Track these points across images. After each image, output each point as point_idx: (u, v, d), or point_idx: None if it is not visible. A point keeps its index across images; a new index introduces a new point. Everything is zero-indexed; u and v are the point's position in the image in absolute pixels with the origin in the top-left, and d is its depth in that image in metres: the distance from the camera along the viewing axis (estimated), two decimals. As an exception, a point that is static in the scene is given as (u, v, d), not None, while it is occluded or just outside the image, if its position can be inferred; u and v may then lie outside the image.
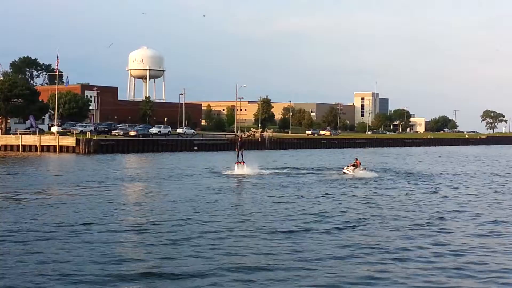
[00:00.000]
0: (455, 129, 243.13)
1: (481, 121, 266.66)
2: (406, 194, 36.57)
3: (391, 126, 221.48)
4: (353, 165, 52.28)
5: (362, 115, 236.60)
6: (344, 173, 51.38)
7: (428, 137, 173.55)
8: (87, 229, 22.49)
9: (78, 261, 17.44)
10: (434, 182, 45.87)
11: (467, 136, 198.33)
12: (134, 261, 17.65)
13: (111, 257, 17.96)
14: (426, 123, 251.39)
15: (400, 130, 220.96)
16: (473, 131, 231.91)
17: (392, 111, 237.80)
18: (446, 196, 35.71)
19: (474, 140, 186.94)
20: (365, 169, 52.05)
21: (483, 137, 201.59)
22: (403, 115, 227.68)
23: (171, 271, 16.45)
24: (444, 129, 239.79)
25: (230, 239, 20.90)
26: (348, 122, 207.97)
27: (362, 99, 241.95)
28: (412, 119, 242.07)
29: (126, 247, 19.58)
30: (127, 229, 22.49)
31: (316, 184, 42.24)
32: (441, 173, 55.65)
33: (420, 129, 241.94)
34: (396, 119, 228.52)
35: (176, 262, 17.43)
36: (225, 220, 24.99)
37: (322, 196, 34.16)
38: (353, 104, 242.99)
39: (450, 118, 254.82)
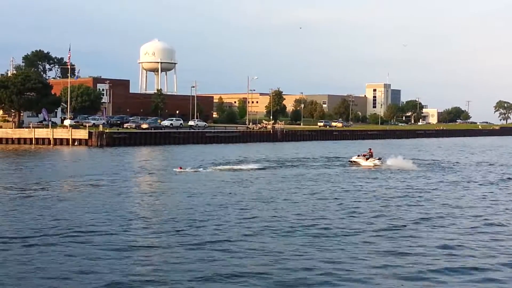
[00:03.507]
0: (468, 120, 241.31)
1: (494, 111, 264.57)
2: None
3: (403, 117, 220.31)
4: (365, 155, 52.34)
5: (374, 107, 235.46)
6: (354, 162, 51.51)
7: (441, 128, 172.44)
8: (95, 229, 22.56)
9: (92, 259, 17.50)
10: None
11: (480, 127, 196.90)
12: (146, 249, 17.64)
13: (120, 260, 17.99)
14: (439, 114, 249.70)
15: (413, 122, 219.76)
16: (486, 122, 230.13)
17: (404, 102, 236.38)
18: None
19: (487, 131, 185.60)
20: (379, 159, 51.96)
21: (497, 128, 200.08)
22: (415, 107, 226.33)
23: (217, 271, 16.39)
24: (457, 120, 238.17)
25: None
26: (360, 114, 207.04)
27: (374, 90, 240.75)
28: (424, 110, 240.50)
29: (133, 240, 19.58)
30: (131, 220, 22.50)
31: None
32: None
33: (433, 120, 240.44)
34: (409, 111, 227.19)
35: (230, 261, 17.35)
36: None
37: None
38: (365, 95, 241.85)
39: (463, 109, 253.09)
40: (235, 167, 47.56)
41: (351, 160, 53.30)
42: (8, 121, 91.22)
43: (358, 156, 53.43)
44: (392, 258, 17.67)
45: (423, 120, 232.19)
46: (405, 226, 22.74)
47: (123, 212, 24.83)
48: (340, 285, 15.20)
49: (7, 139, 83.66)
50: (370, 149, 54.59)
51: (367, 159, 51.37)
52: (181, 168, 44.70)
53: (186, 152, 69.44)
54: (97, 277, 15.21)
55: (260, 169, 46.45)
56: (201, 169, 44.88)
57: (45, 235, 19.85)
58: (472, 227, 22.86)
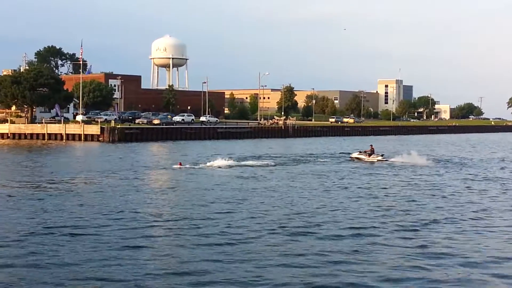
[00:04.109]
0: (481, 116, 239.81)
1: (508, 107, 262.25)
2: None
3: (416, 113, 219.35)
4: (366, 151, 52.59)
5: (386, 103, 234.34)
6: (357, 158, 51.63)
7: (454, 124, 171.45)
8: (106, 222, 22.58)
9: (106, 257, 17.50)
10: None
11: (493, 123, 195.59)
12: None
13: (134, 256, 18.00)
14: (451, 110, 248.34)
15: (425, 118, 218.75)
16: (499, 118, 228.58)
17: (417, 98, 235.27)
18: None
19: (500, 127, 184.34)
20: (382, 155, 52.22)
21: (510, 124, 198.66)
22: (428, 103, 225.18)
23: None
24: (470, 116, 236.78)
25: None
26: (371, 110, 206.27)
27: (386, 86, 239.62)
28: (436, 106, 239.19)
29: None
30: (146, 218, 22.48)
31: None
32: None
33: (445, 116, 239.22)
34: (421, 107, 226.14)
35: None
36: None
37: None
38: (376, 91, 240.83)
39: (475, 105, 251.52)
40: (241, 163, 47.16)
41: (352, 156, 53.28)
42: (21, 116, 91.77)
43: (360, 152, 53.43)
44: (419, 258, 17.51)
45: (435, 116, 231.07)
46: (433, 222, 22.50)
47: (134, 208, 24.82)
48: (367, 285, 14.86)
49: (20, 134, 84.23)
50: (371, 145, 54.93)
51: (369, 155, 51.71)
52: (180, 164, 43.83)
53: (197, 147, 69.50)
54: (108, 275, 15.09)
55: (262, 166, 46.20)
56: (201, 165, 44.04)
57: (56, 232, 19.78)
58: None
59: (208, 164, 44.83)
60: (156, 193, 30.13)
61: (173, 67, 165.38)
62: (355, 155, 53.20)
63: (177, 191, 30.96)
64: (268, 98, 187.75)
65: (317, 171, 42.37)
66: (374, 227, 21.52)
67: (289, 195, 29.30)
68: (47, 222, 21.47)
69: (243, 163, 47.23)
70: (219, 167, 43.61)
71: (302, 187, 32.66)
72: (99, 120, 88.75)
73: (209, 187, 31.92)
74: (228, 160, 47.15)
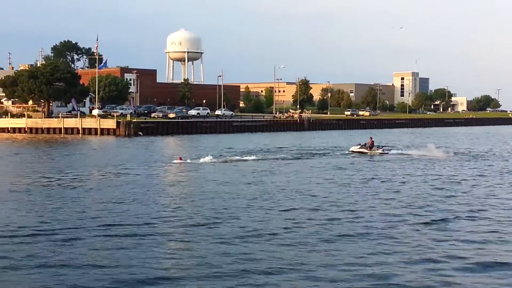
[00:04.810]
0: (498, 109, 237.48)
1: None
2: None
3: (432, 106, 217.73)
4: (366, 144, 52.42)
5: (402, 95, 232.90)
6: (359, 151, 51.32)
7: (470, 116, 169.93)
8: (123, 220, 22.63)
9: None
10: None
11: (510, 115, 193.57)
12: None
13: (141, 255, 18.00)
14: (468, 102, 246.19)
15: (441, 110, 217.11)
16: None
17: (433, 90, 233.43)
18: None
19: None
20: (382, 148, 52.33)
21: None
22: (444, 95, 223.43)
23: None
24: (487, 109, 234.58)
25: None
26: (387, 103, 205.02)
27: (402, 79, 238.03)
28: (453, 98, 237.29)
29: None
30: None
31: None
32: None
33: (462, 108, 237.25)
34: (437, 99, 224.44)
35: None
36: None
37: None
38: (392, 84, 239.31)
39: (493, 97, 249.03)
40: (260, 156, 47.14)
41: (354, 150, 52.38)
42: (37, 111, 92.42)
43: (361, 146, 52.84)
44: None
45: (452, 109, 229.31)
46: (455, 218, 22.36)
47: (150, 203, 24.88)
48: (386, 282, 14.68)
49: (36, 128, 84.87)
50: (371, 138, 54.64)
51: (370, 148, 51.57)
52: (181, 159, 42.84)
53: (212, 141, 69.55)
54: (122, 270, 15.08)
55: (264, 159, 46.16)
56: (201, 160, 42.98)
57: (72, 227, 19.75)
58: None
59: (208, 158, 43.68)
60: (170, 187, 30.23)
61: (188, 61, 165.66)
62: (356, 148, 52.46)
63: (192, 185, 31.03)
64: (284, 91, 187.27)
65: (337, 164, 42.25)
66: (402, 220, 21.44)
67: (309, 189, 29.21)
68: (57, 217, 21.61)
69: (262, 156, 47.30)
70: (236, 161, 43.53)
71: (322, 181, 32.57)
72: (115, 114, 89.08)
73: (225, 181, 31.94)
74: (249, 155, 47.00)
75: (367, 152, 50.98)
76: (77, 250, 16.83)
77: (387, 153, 51.38)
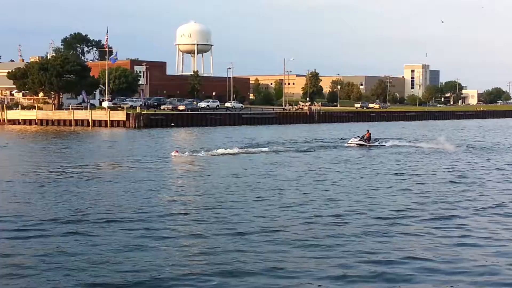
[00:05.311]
0: (509, 101, 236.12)
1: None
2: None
3: (442, 98, 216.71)
4: (363, 136, 52.32)
5: (412, 88, 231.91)
6: (358, 144, 51.04)
7: (481, 109, 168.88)
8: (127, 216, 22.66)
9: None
10: None
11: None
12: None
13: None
14: (479, 95, 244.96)
15: (452, 103, 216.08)
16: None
17: (443, 83, 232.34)
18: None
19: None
20: (378, 141, 52.36)
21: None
22: (455, 87, 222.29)
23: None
24: (498, 101, 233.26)
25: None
26: (397, 95, 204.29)
27: (412, 71, 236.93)
28: (464, 91, 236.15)
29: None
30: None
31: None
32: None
33: (473, 101, 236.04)
34: (448, 91, 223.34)
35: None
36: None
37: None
38: (402, 76, 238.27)
39: (504, 90, 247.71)
40: (273, 148, 47.10)
41: (352, 142, 51.92)
42: (48, 103, 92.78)
43: (359, 138, 52.49)
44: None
45: (462, 101, 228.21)
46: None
47: (159, 196, 24.83)
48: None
49: (47, 120, 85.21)
50: (368, 130, 54.36)
51: (368, 140, 51.52)
52: (177, 151, 41.53)
53: (221, 133, 69.57)
54: (131, 267, 14.97)
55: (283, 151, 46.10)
56: (201, 154, 42.01)
57: (82, 220, 19.71)
58: None
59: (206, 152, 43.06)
60: (178, 179, 30.25)
61: (198, 53, 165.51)
62: (355, 141, 51.95)
63: (205, 177, 31.04)
64: (293, 83, 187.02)
65: (346, 156, 42.17)
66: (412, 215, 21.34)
67: (320, 182, 29.17)
68: (65, 208, 21.71)
69: (275, 148, 47.34)
70: (249, 153, 43.50)
71: (335, 174, 32.50)
72: (124, 107, 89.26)
73: (238, 173, 31.95)
74: (263, 148, 47.11)
75: (366, 145, 50.75)
76: (84, 245, 16.78)
77: (384, 145, 51.38)
